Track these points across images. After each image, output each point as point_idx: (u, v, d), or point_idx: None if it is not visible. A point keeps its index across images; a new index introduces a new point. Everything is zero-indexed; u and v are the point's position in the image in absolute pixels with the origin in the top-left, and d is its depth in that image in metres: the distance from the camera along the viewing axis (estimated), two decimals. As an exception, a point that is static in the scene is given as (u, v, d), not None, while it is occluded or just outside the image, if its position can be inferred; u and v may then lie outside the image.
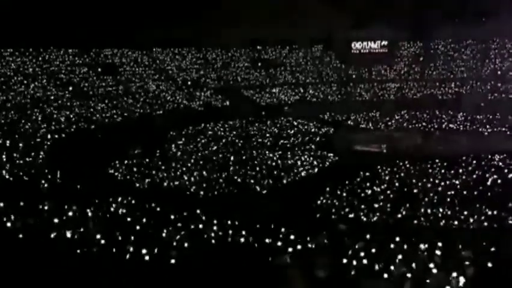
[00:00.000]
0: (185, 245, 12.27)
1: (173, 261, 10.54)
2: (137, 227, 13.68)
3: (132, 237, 12.19)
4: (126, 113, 42.03)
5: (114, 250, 11.31)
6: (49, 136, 30.85)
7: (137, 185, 23.98)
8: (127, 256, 10.95)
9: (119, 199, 17.27)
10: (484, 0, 48.52)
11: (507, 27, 50.40)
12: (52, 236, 11.79)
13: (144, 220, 14.51)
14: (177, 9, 52.40)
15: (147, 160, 28.58)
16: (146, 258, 10.95)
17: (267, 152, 31.29)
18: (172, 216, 15.48)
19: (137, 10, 49.91)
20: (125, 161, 28.03)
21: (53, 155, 26.27)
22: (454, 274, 10.02)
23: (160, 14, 51.40)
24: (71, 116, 37.39)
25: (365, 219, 19.23)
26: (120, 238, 12.33)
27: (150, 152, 30.15)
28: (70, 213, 13.91)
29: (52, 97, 41.20)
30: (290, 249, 12.26)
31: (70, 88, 44.12)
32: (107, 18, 47.74)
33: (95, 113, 40.01)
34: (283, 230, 14.47)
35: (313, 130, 39.91)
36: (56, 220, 12.99)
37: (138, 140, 32.07)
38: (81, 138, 32.89)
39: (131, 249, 11.20)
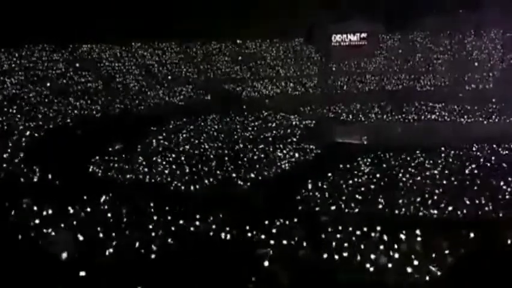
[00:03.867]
0: (169, 240, 12.24)
1: (153, 256, 10.43)
2: (121, 224, 13.60)
3: (114, 234, 12.11)
4: (106, 109, 41.56)
5: (95, 248, 11.21)
6: (27, 133, 30.38)
7: (119, 181, 23.82)
8: (107, 253, 10.86)
9: (101, 196, 17.10)
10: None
11: (484, 19, 51.10)
12: (32, 235, 11.65)
13: (126, 217, 14.42)
14: (156, 2, 51.74)
15: (128, 156, 28.35)
16: (128, 255, 10.89)
17: (249, 146, 31.29)
18: (154, 212, 15.41)
19: (115, 3, 49.10)
20: (106, 157, 27.78)
21: (31, 153, 25.89)
22: (433, 264, 10.19)
23: (139, 7, 50.65)
24: (50, 112, 36.84)
25: (347, 210, 19.42)
26: (102, 236, 12.23)
27: (131, 148, 29.90)
28: (50, 212, 13.73)
29: (30, 94, 40.50)
30: (273, 242, 12.33)
31: (48, 84, 43.41)
32: (84, 12, 46.95)
33: (73, 109, 39.48)
34: (266, 223, 14.54)
35: (294, 123, 40.02)
36: (36, 220, 12.81)
37: (119, 136, 31.77)
38: (60, 135, 32.44)
39: (111, 249, 11.10)
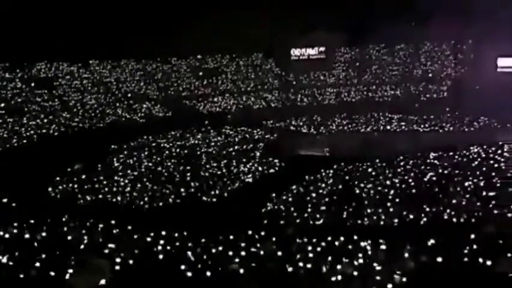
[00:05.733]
0: (131, 262, 12.00)
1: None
2: (81, 246, 13.26)
3: (73, 257, 11.77)
4: (64, 128, 40.64)
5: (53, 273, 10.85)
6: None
7: (79, 201, 23.28)
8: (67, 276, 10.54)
9: (61, 218, 16.66)
10: (414, 6, 50.83)
11: (436, 32, 53.09)
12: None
13: (87, 238, 14.07)
14: (113, 20, 51.20)
15: (88, 175, 27.73)
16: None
17: (212, 161, 31.17)
18: (117, 231, 15.12)
19: (72, 22, 48.31)
20: (65, 178, 27.09)
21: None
22: (397, 271, 10.38)
23: (96, 26, 50.01)
24: (4, 133, 35.74)
25: (311, 222, 19.59)
26: (61, 258, 11.87)
27: (91, 167, 29.27)
28: (7, 236, 13.28)
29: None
30: (240, 257, 12.29)
31: (2, 104, 42.16)
32: (39, 31, 45.95)
33: (29, 129, 38.41)
34: (231, 237, 14.50)
35: (257, 137, 40.17)
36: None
37: (78, 155, 31.08)
38: (16, 156, 31.48)
39: (71, 270, 10.78)
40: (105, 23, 49.88)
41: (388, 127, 41.89)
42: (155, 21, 51.91)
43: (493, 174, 23.60)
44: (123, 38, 50.37)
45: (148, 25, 51.12)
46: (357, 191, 23.09)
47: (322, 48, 60.30)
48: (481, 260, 11.50)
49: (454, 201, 19.91)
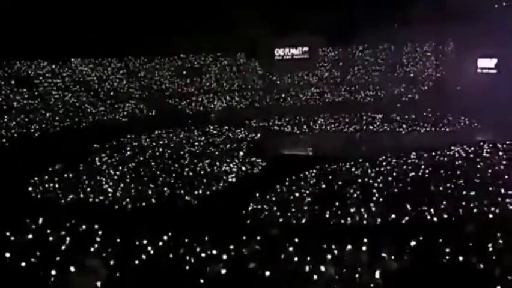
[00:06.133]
0: (111, 262, 11.86)
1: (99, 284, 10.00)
2: (62, 247, 13.07)
3: (57, 259, 11.61)
4: (44, 126, 40.11)
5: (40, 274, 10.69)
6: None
7: (61, 201, 22.98)
8: (51, 280, 10.39)
9: (41, 218, 16.39)
10: (397, 8, 51.44)
11: (418, 33, 53.79)
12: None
13: (68, 239, 13.89)
14: (96, 18, 50.67)
15: (70, 175, 27.41)
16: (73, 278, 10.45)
17: (195, 161, 31.06)
18: (99, 232, 14.95)
19: (53, 20, 47.68)
20: (46, 177, 26.73)
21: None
22: (379, 271, 10.45)
23: (77, 23, 49.44)
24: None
25: (295, 222, 19.63)
26: (43, 260, 11.70)
27: (73, 167, 28.94)
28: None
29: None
30: (224, 257, 12.25)
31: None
32: (19, 29, 45.28)
33: (10, 128, 37.83)
34: (215, 237, 14.44)
35: (240, 137, 40.17)
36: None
37: (59, 155, 30.71)
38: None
39: (53, 271, 10.62)
40: (87, 21, 49.42)
41: (370, 127, 42.24)
42: (138, 19, 51.58)
43: (473, 173, 23.93)
44: (106, 36, 49.92)
45: (131, 23, 50.77)
46: (340, 191, 23.21)
47: (306, 48, 60.64)
48: (461, 258, 11.63)
49: (434, 200, 20.14)
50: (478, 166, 25.56)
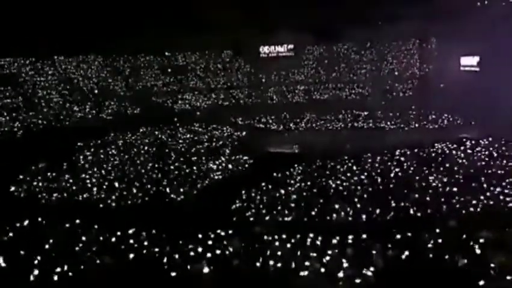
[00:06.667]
0: (97, 261, 11.83)
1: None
2: (46, 246, 12.99)
3: (39, 258, 11.54)
4: (27, 125, 39.62)
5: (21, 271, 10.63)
6: None
7: (44, 201, 22.75)
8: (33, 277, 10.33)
9: (25, 218, 16.24)
10: (381, 5, 51.73)
11: (401, 31, 54.25)
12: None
13: (53, 238, 13.79)
14: (80, 15, 50.12)
15: (53, 174, 27.11)
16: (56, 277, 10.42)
17: (181, 159, 30.95)
18: (83, 231, 14.87)
19: (37, 18, 47.03)
20: (29, 177, 26.43)
21: None
22: (364, 267, 10.57)
23: (61, 21, 48.83)
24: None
25: (280, 219, 19.68)
26: (27, 258, 11.62)
27: (56, 166, 28.63)
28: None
29: None
30: (209, 255, 12.27)
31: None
32: (2, 27, 44.58)
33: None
34: (200, 236, 14.45)
35: (226, 134, 40.12)
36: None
37: (42, 154, 30.36)
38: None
39: (36, 271, 10.57)
40: (71, 18, 48.90)
41: (356, 124, 42.49)
42: (122, 17, 51.15)
43: (456, 170, 24.26)
44: (90, 34, 49.46)
45: (115, 21, 50.33)
46: (326, 188, 23.33)
47: (291, 46, 60.78)
48: (446, 256, 11.82)
49: (418, 196, 20.38)
50: (461, 162, 25.90)
